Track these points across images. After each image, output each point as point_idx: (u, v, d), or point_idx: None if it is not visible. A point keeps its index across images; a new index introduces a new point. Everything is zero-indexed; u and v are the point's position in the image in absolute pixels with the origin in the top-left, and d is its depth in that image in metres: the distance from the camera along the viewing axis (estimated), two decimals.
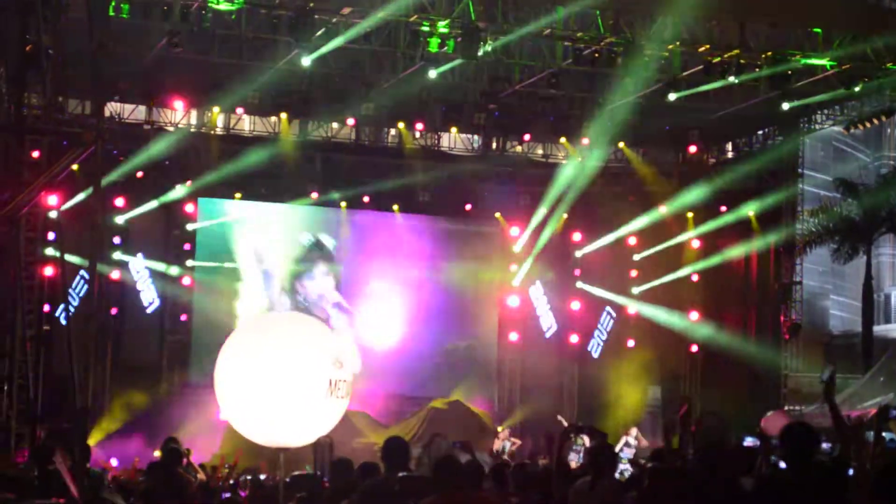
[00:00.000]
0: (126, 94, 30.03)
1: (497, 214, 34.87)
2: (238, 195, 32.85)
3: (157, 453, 21.61)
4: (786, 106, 29.37)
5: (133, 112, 31.02)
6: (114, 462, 26.84)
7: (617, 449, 29.16)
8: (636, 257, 35.38)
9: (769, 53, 27.15)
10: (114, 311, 31.32)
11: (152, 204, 31.80)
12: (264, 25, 25.80)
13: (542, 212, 34.13)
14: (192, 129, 31.88)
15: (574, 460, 25.82)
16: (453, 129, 33.05)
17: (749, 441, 20.00)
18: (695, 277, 34.62)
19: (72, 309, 23.32)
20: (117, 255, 31.44)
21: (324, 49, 26.49)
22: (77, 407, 14.08)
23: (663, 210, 34.39)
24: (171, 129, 31.52)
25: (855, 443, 10.28)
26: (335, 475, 12.95)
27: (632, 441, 29.04)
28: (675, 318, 34.45)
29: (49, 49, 21.67)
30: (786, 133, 33.00)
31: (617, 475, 12.97)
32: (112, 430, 29.20)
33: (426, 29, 25.70)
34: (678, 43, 26.80)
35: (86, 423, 14.58)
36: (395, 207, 34.08)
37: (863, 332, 40.94)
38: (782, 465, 12.56)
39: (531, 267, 35.03)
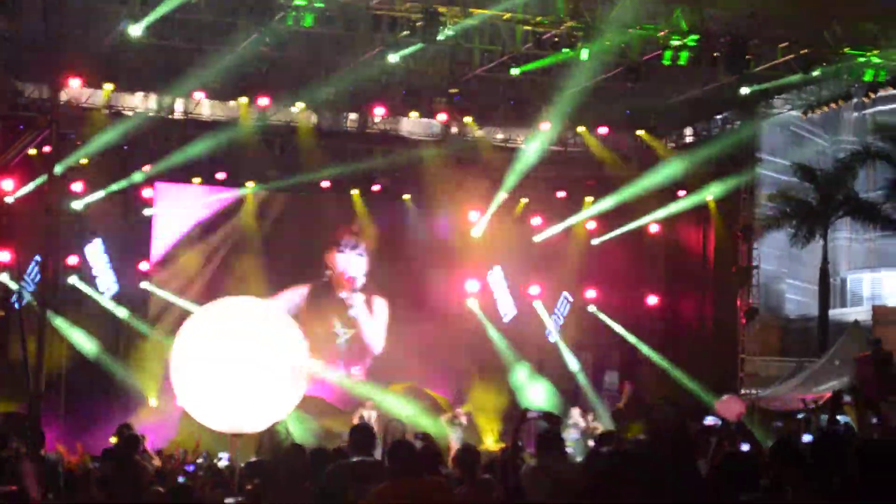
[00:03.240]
0: (84, 78, 29.80)
1: (457, 199, 34.85)
2: (197, 180, 32.76)
3: (112, 440, 21.54)
4: (744, 91, 29.45)
5: (91, 96, 30.79)
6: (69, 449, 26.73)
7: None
8: (595, 242, 35.42)
9: (728, 38, 27.19)
10: (70, 296, 31.15)
11: (111, 189, 31.65)
12: (224, 9, 25.63)
13: (501, 196, 34.15)
14: (151, 114, 31.66)
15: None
16: (413, 114, 32.97)
17: (710, 420, 20.11)
18: (653, 262, 34.71)
19: (27, 295, 23.18)
20: (74, 241, 31.27)
21: (284, 33, 26.41)
22: (31, 393, 14.01)
23: (622, 195, 34.58)
24: (130, 113, 31.34)
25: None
26: (290, 461, 12.92)
27: (571, 423, 29.26)
28: (634, 301, 34.60)
29: (4, 32, 21.51)
30: (744, 118, 33.08)
31: None
32: (68, 416, 29.09)
33: (386, 13, 25.62)
34: (638, 27, 26.80)
35: (39, 409, 14.50)
36: (356, 192, 34.05)
37: (819, 315, 41.21)
38: (745, 447, 12.65)
39: (490, 252, 35.04)
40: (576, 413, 30.29)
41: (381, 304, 34.44)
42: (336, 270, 34.11)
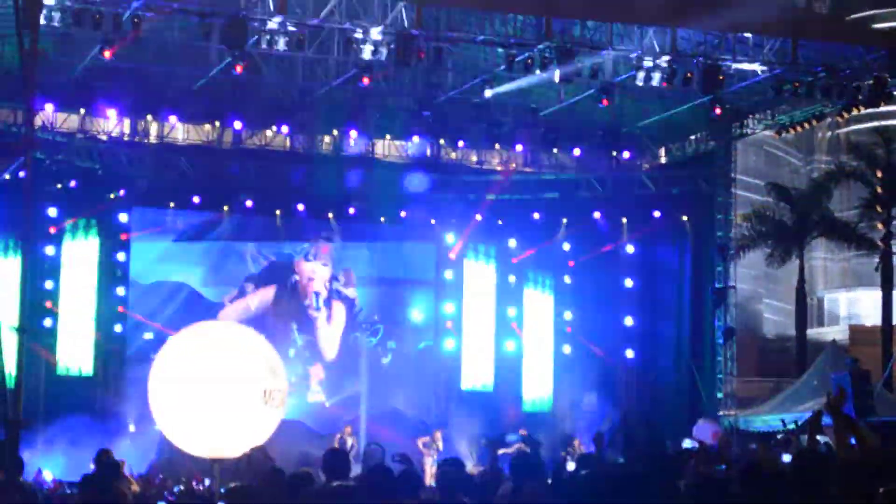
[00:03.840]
0: (59, 103, 29.73)
1: (432, 221, 34.82)
2: (172, 204, 32.65)
3: (91, 466, 21.40)
4: (718, 111, 29.54)
5: (66, 121, 30.72)
6: (49, 476, 26.57)
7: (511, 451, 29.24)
8: (572, 263, 35.40)
9: (701, 58, 27.28)
10: (48, 321, 31.01)
11: (86, 213, 31.57)
12: (197, 33, 25.61)
13: (477, 218, 34.15)
14: (126, 138, 31.58)
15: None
16: (387, 136, 33.00)
17: (687, 443, 20.12)
18: (630, 283, 34.75)
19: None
20: (51, 264, 31.18)
21: (257, 57, 26.40)
22: (9, 419, 13.93)
23: (597, 215, 34.63)
24: (105, 137, 31.26)
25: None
26: (269, 485, 12.86)
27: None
28: (611, 323, 34.61)
29: None
30: (718, 138, 33.13)
31: None
32: (46, 441, 28.90)
33: (360, 36, 25.60)
34: (610, 48, 26.86)
35: (18, 436, 14.42)
36: (330, 215, 33.98)
37: (796, 335, 41.26)
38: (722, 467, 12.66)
39: (467, 273, 35.04)
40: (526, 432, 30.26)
41: (339, 311, 34.20)
42: (303, 279, 33.94)
